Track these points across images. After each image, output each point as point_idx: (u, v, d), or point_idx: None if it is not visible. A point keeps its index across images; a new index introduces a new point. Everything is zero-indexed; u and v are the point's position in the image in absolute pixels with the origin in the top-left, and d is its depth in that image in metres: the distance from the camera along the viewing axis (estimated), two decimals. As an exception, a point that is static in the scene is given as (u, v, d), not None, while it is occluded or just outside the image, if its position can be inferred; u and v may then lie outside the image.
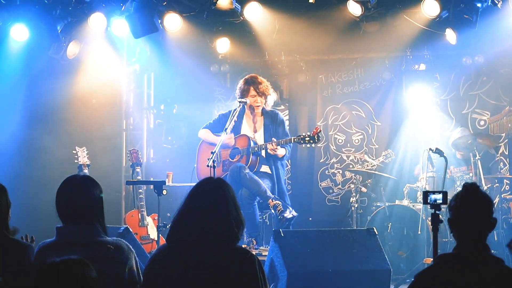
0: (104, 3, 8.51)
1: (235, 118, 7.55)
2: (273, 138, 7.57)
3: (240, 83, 7.86)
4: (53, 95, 9.35)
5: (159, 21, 8.71)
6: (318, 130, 7.34)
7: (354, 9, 8.53)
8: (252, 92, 7.71)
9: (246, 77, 7.88)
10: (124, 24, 8.65)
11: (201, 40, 9.68)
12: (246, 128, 7.81)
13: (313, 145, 7.49)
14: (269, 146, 7.41)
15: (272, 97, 7.94)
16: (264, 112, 7.83)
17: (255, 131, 7.81)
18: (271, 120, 7.79)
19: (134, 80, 10.44)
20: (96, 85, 9.69)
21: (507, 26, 8.42)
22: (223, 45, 9.76)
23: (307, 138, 7.31)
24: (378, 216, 8.47)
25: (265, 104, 7.81)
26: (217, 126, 7.82)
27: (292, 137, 7.44)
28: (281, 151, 7.53)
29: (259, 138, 7.75)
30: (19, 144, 9.09)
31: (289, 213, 7.21)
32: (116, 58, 9.79)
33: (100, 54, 9.53)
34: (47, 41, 8.83)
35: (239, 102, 7.65)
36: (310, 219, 9.98)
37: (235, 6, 8.61)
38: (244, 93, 7.76)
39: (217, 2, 8.50)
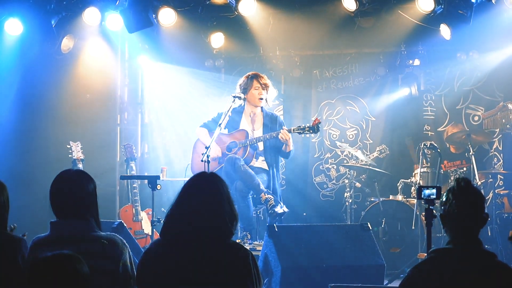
0: (98, -2, 8.51)
1: (229, 113, 7.55)
2: (284, 127, 7.62)
3: (241, 79, 7.85)
4: (47, 90, 9.33)
5: (154, 15, 8.69)
6: (318, 121, 7.39)
7: (349, 4, 8.53)
8: (256, 84, 7.72)
9: (247, 74, 7.90)
10: (119, 18, 8.64)
11: (196, 35, 9.65)
12: (245, 125, 7.82)
13: (312, 135, 7.58)
14: (281, 133, 7.42)
15: (273, 92, 7.95)
16: (264, 112, 7.85)
17: (253, 129, 7.82)
18: (271, 120, 7.82)
19: (128, 75, 10.43)
20: (90, 79, 9.68)
21: (501, 21, 8.43)
22: (217, 40, 9.74)
23: (307, 129, 7.37)
24: (372, 211, 8.48)
25: (266, 99, 7.82)
26: (216, 124, 7.79)
27: (292, 128, 7.48)
28: (291, 144, 7.56)
29: (258, 135, 7.76)
30: (12, 138, 9.06)
31: (280, 208, 7.24)
32: (111, 53, 9.78)
33: (95, 49, 9.54)
34: (41, 35, 8.80)
35: (234, 97, 7.64)
36: (305, 214, 9.99)
37: (229, 1, 8.60)
38: (247, 87, 7.75)
39: (212, -3, 8.52)
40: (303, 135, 7.56)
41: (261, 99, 7.76)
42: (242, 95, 7.73)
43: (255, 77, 7.77)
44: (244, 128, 7.78)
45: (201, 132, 7.96)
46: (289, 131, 7.46)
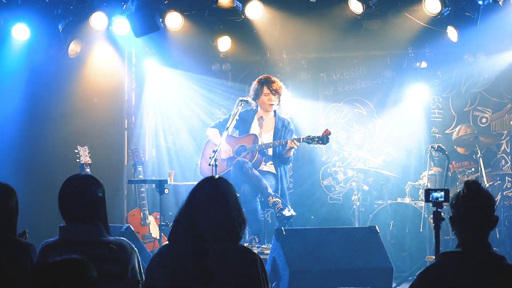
0: (105, 2, 8.52)
1: (236, 117, 7.57)
2: (294, 136, 7.65)
3: (254, 84, 7.90)
4: (54, 94, 9.35)
5: (161, 20, 8.71)
6: (328, 132, 7.37)
7: (356, 7, 8.52)
8: (266, 90, 7.76)
9: (259, 77, 7.93)
10: (126, 23, 8.66)
11: (203, 39, 9.67)
12: (255, 128, 7.83)
13: (321, 145, 7.54)
14: (289, 142, 7.43)
15: (286, 94, 7.97)
16: (277, 116, 7.88)
17: (262, 133, 7.83)
18: (283, 125, 7.85)
19: (135, 79, 10.44)
20: (97, 84, 9.70)
21: (508, 23, 8.42)
22: (224, 43, 9.73)
23: (316, 139, 7.36)
24: (380, 214, 8.48)
25: (278, 104, 7.83)
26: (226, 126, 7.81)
27: (302, 137, 7.47)
28: (293, 151, 7.59)
29: (268, 139, 7.78)
30: (20, 143, 9.08)
31: (288, 212, 7.24)
32: (118, 57, 9.80)
33: (102, 53, 9.57)
34: (48, 40, 8.82)
35: (240, 100, 7.65)
36: (312, 217, 9.98)
37: (236, 5, 8.61)
38: (258, 93, 7.81)
39: (219, 0, 8.51)
40: (312, 145, 7.55)
41: (272, 105, 7.79)
42: (249, 99, 7.75)
43: (265, 83, 7.78)
44: (253, 131, 7.80)
45: (212, 133, 7.99)
46: (298, 140, 7.46)
